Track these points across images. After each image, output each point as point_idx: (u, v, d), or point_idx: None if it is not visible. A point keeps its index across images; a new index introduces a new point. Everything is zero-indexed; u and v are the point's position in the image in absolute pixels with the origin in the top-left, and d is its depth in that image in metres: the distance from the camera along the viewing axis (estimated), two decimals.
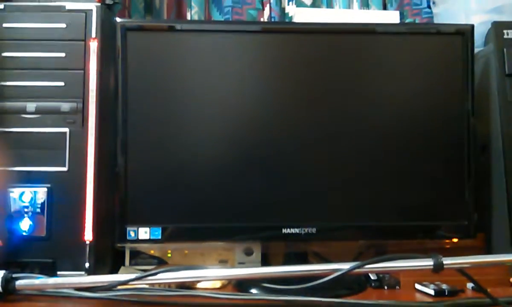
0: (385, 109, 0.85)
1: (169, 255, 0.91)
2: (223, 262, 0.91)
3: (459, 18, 1.11)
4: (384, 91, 0.85)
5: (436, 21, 1.19)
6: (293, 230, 0.82)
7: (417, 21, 1.21)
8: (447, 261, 0.69)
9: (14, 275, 0.72)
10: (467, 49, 0.86)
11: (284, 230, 0.82)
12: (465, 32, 0.86)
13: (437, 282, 0.78)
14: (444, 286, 0.76)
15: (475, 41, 0.87)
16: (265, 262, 0.91)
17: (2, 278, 0.71)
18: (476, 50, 0.89)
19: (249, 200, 0.82)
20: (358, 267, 0.68)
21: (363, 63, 0.85)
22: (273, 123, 0.83)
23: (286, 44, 0.85)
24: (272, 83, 0.84)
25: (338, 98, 0.85)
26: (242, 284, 0.80)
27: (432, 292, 0.75)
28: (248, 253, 0.90)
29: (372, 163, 0.84)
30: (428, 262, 0.69)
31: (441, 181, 0.85)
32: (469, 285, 0.78)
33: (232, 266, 0.90)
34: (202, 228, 0.82)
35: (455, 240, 0.85)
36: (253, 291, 0.77)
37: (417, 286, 0.79)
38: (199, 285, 0.78)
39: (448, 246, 0.85)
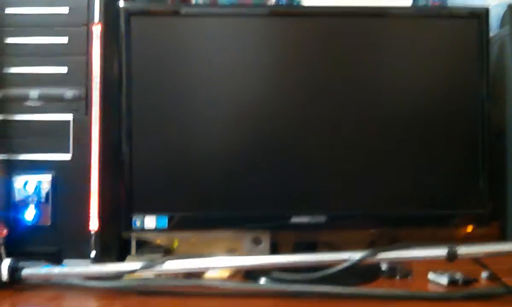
0: (397, 95, 0.83)
1: (176, 244, 0.91)
2: (231, 252, 0.90)
3: (474, 0, 1.08)
4: (396, 76, 0.83)
5: (450, 3, 1.16)
6: (302, 219, 0.81)
7: (430, 4, 1.18)
8: (462, 250, 0.69)
9: (20, 264, 0.72)
10: (482, 33, 0.83)
11: (293, 219, 0.81)
12: (480, 15, 0.84)
13: (450, 271, 0.76)
14: (457, 275, 0.75)
15: (490, 24, 0.84)
16: (274, 251, 0.90)
17: (9, 267, 0.71)
18: (491, 33, 0.86)
19: (257, 188, 0.81)
20: (371, 256, 0.68)
21: (374, 47, 0.83)
22: (281, 109, 0.82)
23: (294, 28, 0.83)
24: (281, 68, 0.82)
25: (348, 83, 0.83)
26: (250, 274, 0.79)
27: (445, 281, 0.74)
28: (257, 242, 0.89)
29: (383, 150, 0.82)
30: (442, 251, 0.68)
31: (455, 168, 0.83)
32: (484, 274, 0.76)
33: (240, 256, 0.89)
34: (210, 216, 0.81)
35: (469, 228, 0.83)
36: (262, 280, 0.76)
37: (430, 275, 0.77)
38: (206, 275, 0.77)
39: (461, 235, 0.84)
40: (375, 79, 0.83)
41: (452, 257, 0.68)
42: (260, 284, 0.75)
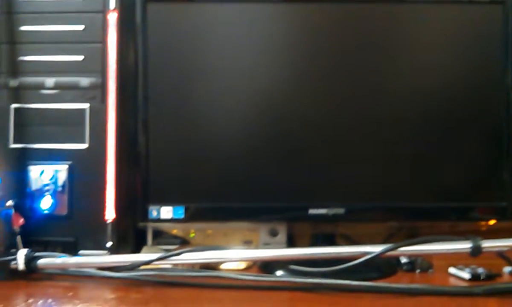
0: (416, 84, 0.81)
1: (192, 235, 0.90)
2: (248, 243, 0.90)
3: None
4: (416, 64, 0.81)
5: None
6: (320, 211, 0.80)
7: None
8: (486, 244, 0.67)
9: (36, 254, 0.73)
10: (506, 19, 0.81)
11: (310, 211, 0.80)
12: (504, 0, 0.81)
13: (472, 266, 0.74)
14: (480, 270, 0.73)
15: None
16: (290, 243, 0.89)
17: (25, 256, 0.71)
18: None
19: (275, 179, 0.80)
20: (391, 249, 0.66)
21: (393, 34, 0.82)
22: (299, 99, 0.80)
23: (312, 13, 0.81)
24: (298, 55, 0.81)
25: (366, 71, 0.81)
26: (267, 266, 0.78)
27: (467, 276, 0.72)
28: (273, 234, 0.88)
29: (403, 141, 0.81)
30: (465, 245, 0.67)
31: (478, 159, 0.81)
32: (506, 269, 0.75)
33: (257, 247, 0.88)
34: (226, 207, 0.80)
35: (492, 222, 0.81)
36: (279, 273, 0.75)
37: (451, 269, 0.76)
38: (223, 266, 0.77)
39: (483, 229, 0.82)
40: (393, 67, 0.81)
41: (476, 251, 0.66)
42: (276, 277, 0.74)
